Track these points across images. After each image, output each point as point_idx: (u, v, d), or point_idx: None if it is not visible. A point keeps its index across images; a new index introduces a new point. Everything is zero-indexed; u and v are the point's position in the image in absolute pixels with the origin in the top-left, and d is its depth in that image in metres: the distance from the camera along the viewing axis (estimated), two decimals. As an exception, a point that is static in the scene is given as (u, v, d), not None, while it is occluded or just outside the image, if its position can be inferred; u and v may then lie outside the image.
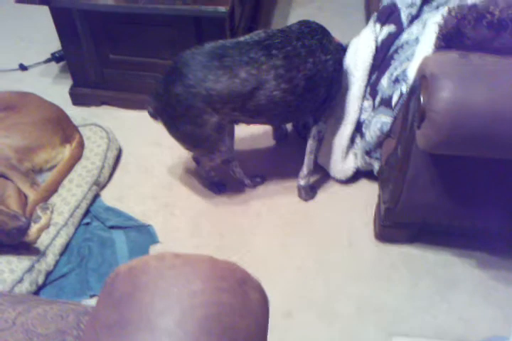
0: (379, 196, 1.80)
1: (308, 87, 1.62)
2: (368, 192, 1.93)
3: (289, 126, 2.15)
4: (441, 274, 1.70)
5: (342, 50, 1.81)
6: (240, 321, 0.76)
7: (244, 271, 0.83)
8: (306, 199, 1.92)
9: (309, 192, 1.91)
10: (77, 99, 2.31)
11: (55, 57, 2.49)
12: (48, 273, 1.65)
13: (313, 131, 1.80)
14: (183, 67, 1.55)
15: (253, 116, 1.66)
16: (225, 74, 1.52)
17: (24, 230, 1.56)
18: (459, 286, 1.67)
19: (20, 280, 1.55)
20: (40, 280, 1.61)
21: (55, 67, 2.52)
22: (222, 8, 1.81)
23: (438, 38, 1.33)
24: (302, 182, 1.88)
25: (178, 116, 1.61)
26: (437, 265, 1.72)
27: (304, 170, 1.86)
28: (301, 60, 1.59)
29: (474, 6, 1.21)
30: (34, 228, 1.68)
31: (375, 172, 1.86)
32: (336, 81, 1.73)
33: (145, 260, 0.82)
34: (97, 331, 0.77)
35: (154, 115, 1.69)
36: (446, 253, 1.75)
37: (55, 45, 2.37)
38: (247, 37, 1.61)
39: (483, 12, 1.20)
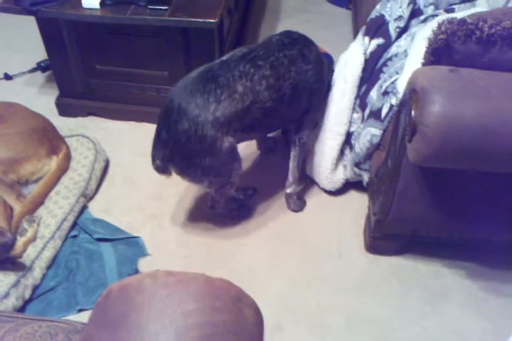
0: (369, 207, 1.80)
1: (293, 96, 1.64)
2: (358, 202, 1.93)
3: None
4: (431, 285, 1.70)
5: (328, 61, 1.82)
6: (234, 339, 0.75)
7: (239, 289, 0.82)
8: (294, 210, 1.91)
9: (297, 201, 1.91)
10: (64, 110, 2.29)
11: (40, 67, 2.48)
12: (35, 288, 1.62)
13: (294, 138, 1.80)
14: (181, 103, 1.52)
15: (249, 132, 1.65)
16: (223, 92, 1.51)
17: (9, 246, 1.53)
18: (449, 297, 1.67)
19: (6, 296, 1.52)
20: (27, 295, 1.58)
21: (40, 76, 2.50)
22: (211, 20, 1.80)
23: (427, 52, 1.34)
24: (289, 190, 1.88)
25: (192, 154, 1.56)
26: (428, 276, 1.72)
27: (290, 178, 1.86)
28: (285, 69, 1.61)
29: (464, 21, 1.22)
30: (20, 241, 1.65)
31: (365, 184, 1.87)
32: (317, 91, 1.74)
33: (138, 278, 0.81)
34: (88, 353, 0.76)
35: (163, 168, 1.63)
36: (436, 264, 1.75)
37: (40, 54, 2.35)
38: (229, 55, 1.62)
39: (473, 28, 1.21)
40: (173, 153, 1.58)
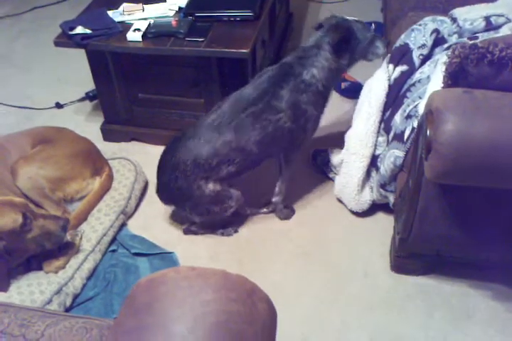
0: (394, 227, 1.84)
1: (260, 148, 1.77)
2: (384, 224, 1.98)
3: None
4: (456, 305, 1.72)
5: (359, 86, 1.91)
6: (247, 328, 0.82)
7: (253, 283, 0.90)
8: (280, 218, 2.04)
9: (283, 210, 2.04)
10: (108, 135, 2.45)
11: (88, 96, 2.66)
12: (75, 296, 1.73)
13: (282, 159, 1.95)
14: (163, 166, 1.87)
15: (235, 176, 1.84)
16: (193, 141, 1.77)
17: (67, 227, 1.70)
18: (474, 318, 1.68)
19: (49, 302, 1.63)
20: (68, 303, 1.69)
21: (88, 105, 2.69)
22: (243, 50, 1.93)
23: (445, 76, 1.42)
24: (274, 199, 2.01)
25: (192, 201, 1.83)
26: (452, 296, 1.74)
27: (277, 189, 2.00)
28: (248, 129, 1.74)
29: (475, 45, 1.30)
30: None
31: (391, 205, 1.92)
32: (297, 130, 1.82)
33: (163, 272, 0.90)
34: (117, 336, 0.85)
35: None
36: (461, 284, 1.77)
37: (88, 85, 2.54)
38: (202, 120, 1.80)
39: (484, 51, 1.28)
40: (183, 202, 1.88)
